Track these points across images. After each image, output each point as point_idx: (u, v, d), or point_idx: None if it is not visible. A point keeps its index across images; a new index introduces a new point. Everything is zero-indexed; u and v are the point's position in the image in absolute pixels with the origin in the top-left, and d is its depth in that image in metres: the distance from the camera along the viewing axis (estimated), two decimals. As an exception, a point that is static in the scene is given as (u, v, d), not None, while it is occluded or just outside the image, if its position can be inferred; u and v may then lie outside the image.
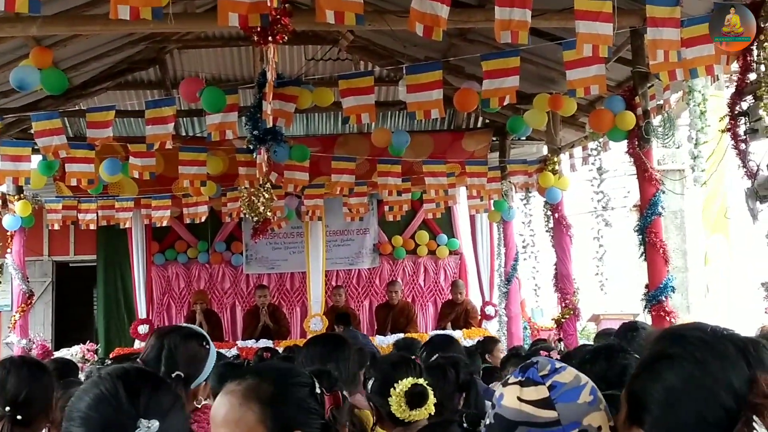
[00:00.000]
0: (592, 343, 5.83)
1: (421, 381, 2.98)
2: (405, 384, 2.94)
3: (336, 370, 3.15)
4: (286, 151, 9.41)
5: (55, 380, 3.03)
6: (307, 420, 1.88)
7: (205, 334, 2.74)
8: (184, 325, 3.03)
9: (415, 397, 2.92)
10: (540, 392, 1.36)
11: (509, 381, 1.42)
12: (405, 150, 10.26)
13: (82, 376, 8.19)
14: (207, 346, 2.68)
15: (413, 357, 3.52)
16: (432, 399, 2.96)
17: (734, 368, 1.29)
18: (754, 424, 1.21)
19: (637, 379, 1.40)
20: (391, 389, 2.94)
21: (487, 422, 1.42)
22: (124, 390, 1.59)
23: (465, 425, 2.62)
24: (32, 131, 8.96)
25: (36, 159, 9.96)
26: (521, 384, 1.39)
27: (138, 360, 2.62)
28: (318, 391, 1.96)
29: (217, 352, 2.99)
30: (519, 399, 1.36)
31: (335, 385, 2.15)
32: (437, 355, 3.83)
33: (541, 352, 5.63)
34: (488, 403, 1.48)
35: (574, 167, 10.80)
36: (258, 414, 1.81)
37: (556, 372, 1.39)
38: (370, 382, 3.11)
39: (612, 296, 12.16)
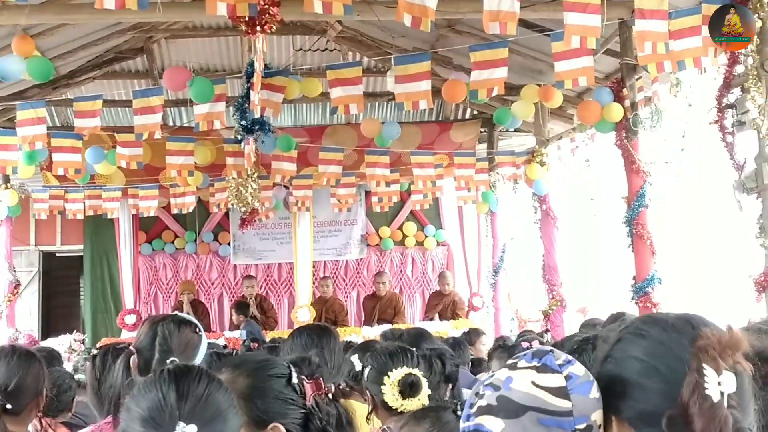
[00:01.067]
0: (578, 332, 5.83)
1: (415, 371, 2.98)
2: (399, 373, 2.94)
3: (320, 358, 3.15)
4: (273, 142, 9.39)
5: (45, 369, 3.01)
6: (286, 411, 1.89)
7: (196, 321, 2.74)
8: (176, 313, 3.03)
9: (408, 387, 2.92)
10: (557, 380, 1.37)
11: (519, 365, 1.42)
12: (393, 141, 10.25)
13: (69, 366, 8.21)
14: (200, 333, 2.68)
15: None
16: (426, 390, 2.96)
17: (679, 333, 1.34)
18: (704, 371, 1.22)
19: (599, 375, 1.42)
20: (385, 378, 2.95)
21: (484, 404, 1.40)
22: (175, 389, 1.56)
23: (459, 413, 2.63)
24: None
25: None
26: (537, 369, 1.39)
27: (131, 347, 2.61)
28: (295, 381, 1.97)
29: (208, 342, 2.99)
30: (534, 384, 1.36)
31: (316, 371, 2.15)
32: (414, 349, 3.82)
33: (522, 343, 5.61)
34: (468, 391, 1.45)
35: (561, 159, 10.83)
36: None
37: (569, 363, 1.40)
38: (366, 371, 3.11)
39: (602, 288, 12.23)
